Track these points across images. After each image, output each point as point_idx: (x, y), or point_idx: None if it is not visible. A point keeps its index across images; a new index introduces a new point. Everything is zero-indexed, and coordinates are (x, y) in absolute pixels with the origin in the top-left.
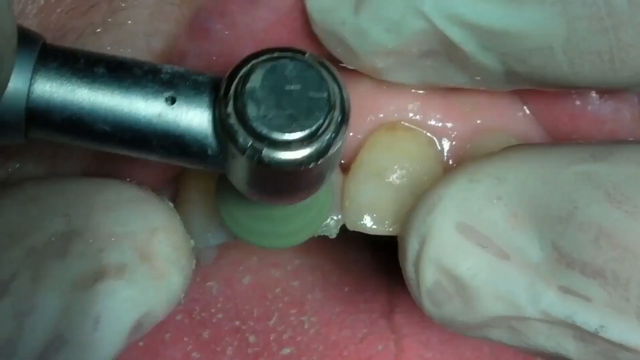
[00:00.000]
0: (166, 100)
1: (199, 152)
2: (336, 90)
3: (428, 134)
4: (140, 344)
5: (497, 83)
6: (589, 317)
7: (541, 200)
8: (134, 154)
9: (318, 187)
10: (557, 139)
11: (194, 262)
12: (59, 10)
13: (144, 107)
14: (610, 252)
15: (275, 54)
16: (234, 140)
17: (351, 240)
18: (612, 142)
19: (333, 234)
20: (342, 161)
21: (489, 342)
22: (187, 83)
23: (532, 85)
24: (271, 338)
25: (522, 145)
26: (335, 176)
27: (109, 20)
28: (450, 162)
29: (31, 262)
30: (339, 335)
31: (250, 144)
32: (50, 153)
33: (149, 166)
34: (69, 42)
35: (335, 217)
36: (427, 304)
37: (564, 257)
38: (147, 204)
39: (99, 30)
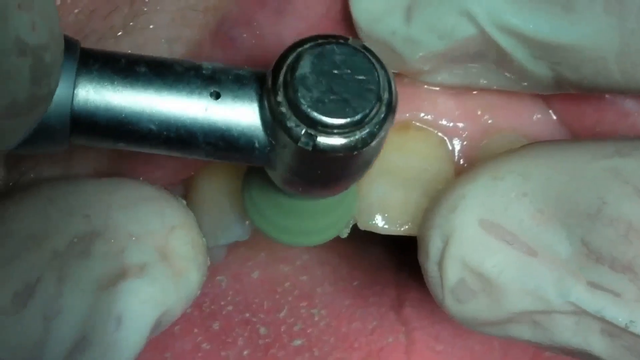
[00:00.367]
0: (211, 95)
1: (246, 146)
2: (383, 73)
3: (439, 133)
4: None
5: (544, 88)
6: (618, 312)
7: (568, 196)
8: (179, 152)
9: (362, 174)
10: (576, 136)
11: (209, 259)
12: (76, 11)
13: (189, 104)
14: None
15: (320, 41)
16: (287, 129)
17: (360, 235)
18: (634, 138)
19: (344, 233)
20: None
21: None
22: (230, 77)
23: (580, 91)
24: (282, 330)
25: (544, 142)
26: None
27: (130, 24)
28: (462, 162)
29: (56, 265)
30: (349, 327)
31: (304, 130)
32: (65, 154)
33: (162, 167)
34: (89, 45)
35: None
36: (450, 302)
37: (593, 253)
38: (164, 202)
39: (119, 33)
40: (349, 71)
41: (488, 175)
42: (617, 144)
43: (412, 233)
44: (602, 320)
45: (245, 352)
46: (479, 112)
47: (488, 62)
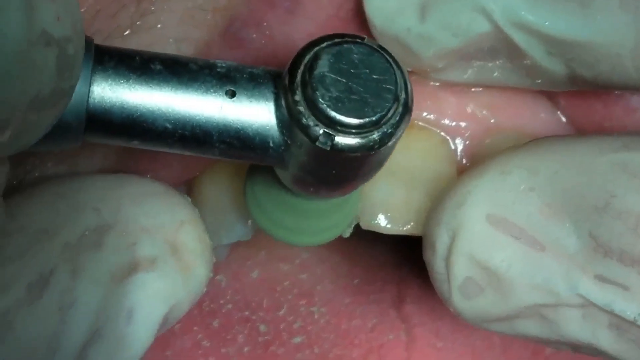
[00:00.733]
0: (226, 93)
1: (260, 145)
2: (400, 73)
3: (442, 133)
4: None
5: (558, 85)
6: (627, 306)
7: (576, 190)
8: (193, 151)
9: (375, 174)
10: (582, 132)
11: (214, 257)
12: (82, 10)
13: (205, 102)
14: None
15: (336, 40)
16: (305, 128)
17: (360, 233)
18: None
19: (347, 233)
20: None
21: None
22: (245, 76)
23: (594, 88)
24: (281, 327)
25: (551, 137)
26: None
27: (138, 23)
28: (464, 161)
29: (68, 257)
30: (350, 324)
31: (322, 130)
32: (70, 153)
33: (167, 166)
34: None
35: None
36: (457, 299)
37: (602, 247)
38: (172, 197)
39: (127, 32)
40: (366, 71)
41: (495, 171)
42: (624, 138)
43: (415, 232)
44: (610, 313)
45: (245, 349)
46: (482, 111)
47: (502, 59)
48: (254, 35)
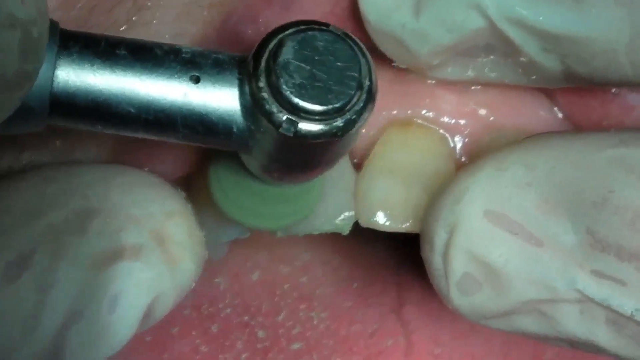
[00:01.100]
0: (190, 78)
1: (224, 131)
2: (364, 60)
3: (441, 131)
4: (148, 338)
5: (553, 82)
6: (624, 301)
7: (573, 185)
8: (157, 135)
9: (338, 161)
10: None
11: (206, 253)
12: (79, 5)
13: (169, 87)
14: None
15: (301, 27)
16: (269, 114)
17: (359, 235)
18: (638, 128)
19: (346, 230)
20: (355, 159)
21: (498, 338)
22: (209, 61)
23: (590, 85)
24: (280, 333)
25: (548, 133)
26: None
27: (134, 18)
28: (463, 159)
29: (51, 238)
30: (349, 330)
31: (286, 117)
32: (67, 147)
33: (163, 161)
34: None
35: (347, 214)
36: (455, 295)
37: (599, 242)
38: (163, 188)
39: (123, 28)
40: (331, 58)
41: (492, 167)
42: (621, 134)
43: (414, 230)
44: (607, 309)
45: (243, 356)
46: (481, 109)
47: (497, 55)
48: (250, 31)
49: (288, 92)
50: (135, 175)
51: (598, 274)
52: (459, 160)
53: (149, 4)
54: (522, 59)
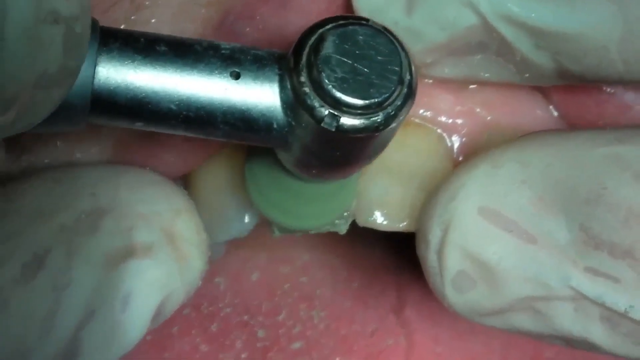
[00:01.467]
0: (231, 74)
1: (264, 127)
2: (404, 54)
3: (438, 130)
4: (148, 337)
5: (546, 80)
6: (618, 298)
7: (567, 182)
8: (197, 133)
9: (377, 156)
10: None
11: (209, 252)
12: None
13: (210, 83)
14: None
15: (341, 22)
16: (311, 109)
17: (359, 236)
18: (633, 126)
19: (343, 230)
20: None
21: (498, 338)
22: (249, 57)
23: (583, 82)
24: (280, 332)
25: (543, 131)
26: None
27: (132, 18)
28: (460, 158)
29: (64, 238)
30: (349, 330)
31: (328, 111)
32: (68, 148)
33: (164, 160)
34: None
35: (345, 213)
36: (450, 292)
37: (592, 239)
38: (169, 186)
39: (121, 27)
40: (372, 52)
41: (487, 164)
42: (616, 132)
43: (411, 229)
44: (601, 306)
45: (243, 355)
46: (478, 109)
47: (490, 53)
48: (248, 29)
49: (330, 86)
50: (139, 174)
51: (592, 271)
52: (456, 159)
53: (147, 3)
54: (515, 56)
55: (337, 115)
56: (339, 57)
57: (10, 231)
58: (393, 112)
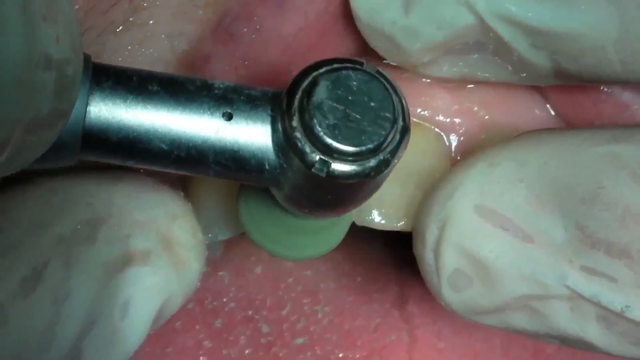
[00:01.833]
0: (223, 115)
1: (256, 167)
2: (397, 99)
3: (436, 129)
4: (151, 332)
5: (543, 79)
6: (614, 297)
7: (564, 181)
8: (189, 171)
9: (369, 198)
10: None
11: (206, 252)
12: (76, 7)
13: (202, 124)
14: (637, 231)
15: (335, 65)
16: (301, 154)
17: (361, 231)
18: (631, 125)
19: None
20: None
21: (500, 334)
22: (242, 98)
23: (580, 82)
24: (284, 327)
25: (540, 130)
26: None
27: (130, 19)
28: (458, 157)
29: (62, 249)
30: (353, 324)
31: (318, 157)
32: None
33: None
34: (89, 40)
35: None
36: (446, 290)
37: (589, 238)
38: (164, 192)
39: (119, 29)
40: (364, 98)
41: (484, 163)
42: (613, 130)
43: (409, 229)
44: (597, 305)
45: (247, 351)
46: (476, 108)
47: (487, 52)
48: (245, 30)
49: (321, 132)
50: (134, 181)
51: (588, 270)
52: (454, 158)
53: (145, 4)
54: (512, 56)
55: (327, 162)
56: (331, 102)
57: (7, 245)
58: (385, 158)
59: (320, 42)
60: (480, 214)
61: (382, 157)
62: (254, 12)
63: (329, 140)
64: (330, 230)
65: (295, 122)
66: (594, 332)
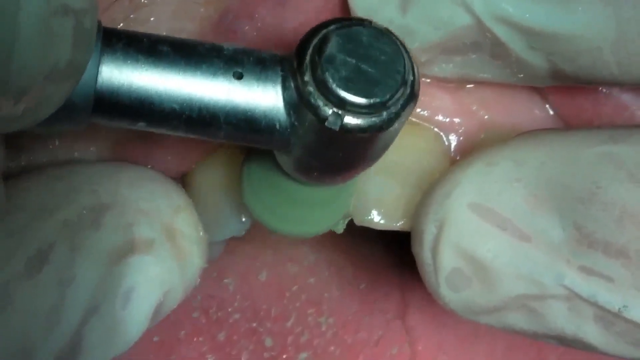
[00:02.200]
0: (234, 75)
1: (267, 127)
2: (407, 55)
3: (435, 129)
4: (155, 339)
5: (540, 80)
6: (611, 297)
7: (562, 181)
8: (199, 133)
9: (378, 158)
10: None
11: (208, 250)
12: None
13: (212, 84)
14: (634, 232)
15: (345, 22)
16: (314, 108)
17: (362, 234)
18: (628, 125)
19: (340, 229)
20: None
21: (501, 345)
22: (251, 59)
23: (577, 83)
24: (288, 341)
25: (538, 130)
26: None
27: (131, 16)
28: (458, 157)
29: (67, 233)
30: (355, 337)
31: (332, 110)
32: (66, 146)
33: (162, 159)
34: None
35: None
36: (444, 289)
37: (586, 238)
38: (168, 184)
39: (120, 26)
40: (375, 52)
41: (482, 162)
42: (610, 131)
43: (408, 228)
44: (595, 305)
45: None
46: (475, 108)
47: (484, 53)
48: (246, 27)
49: (334, 85)
50: (139, 171)
51: (585, 270)
52: (453, 158)
53: (145, 1)
54: (509, 57)
55: (340, 115)
56: (343, 56)
57: (13, 227)
58: (396, 112)
59: None
60: (478, 213)
61: (393, 110)
62: (255, 9)
63: (343, 93)
64: (330, 206)
65: (307, 77)
66: (591, 332)
